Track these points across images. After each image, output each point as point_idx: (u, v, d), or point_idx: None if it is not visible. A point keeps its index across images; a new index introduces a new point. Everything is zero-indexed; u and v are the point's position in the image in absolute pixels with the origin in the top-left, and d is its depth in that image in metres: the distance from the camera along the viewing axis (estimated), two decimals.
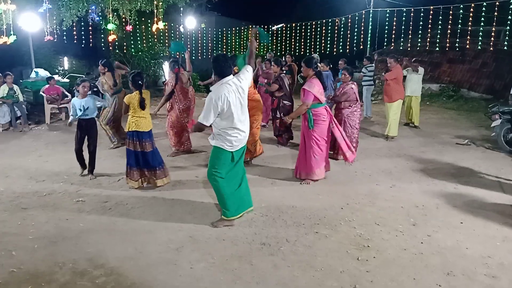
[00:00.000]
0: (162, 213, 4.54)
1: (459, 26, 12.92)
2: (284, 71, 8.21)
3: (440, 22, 13.16)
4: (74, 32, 12.25)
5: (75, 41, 12.96)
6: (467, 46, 13.50)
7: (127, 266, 3.43)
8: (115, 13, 11.64)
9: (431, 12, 13.13)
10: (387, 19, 14.34)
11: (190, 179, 5.72)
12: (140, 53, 15.56)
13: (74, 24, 11.47)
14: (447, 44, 13.55)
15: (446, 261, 3.56)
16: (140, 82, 5.10)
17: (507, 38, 11.81)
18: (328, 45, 17.21)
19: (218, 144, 4.06)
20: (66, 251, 3.68)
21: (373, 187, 5.46)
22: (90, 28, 13.00)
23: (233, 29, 20.03)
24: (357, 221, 4.37)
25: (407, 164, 6.57)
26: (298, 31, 18.61)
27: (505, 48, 12.26)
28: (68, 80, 12.53)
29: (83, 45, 13.43)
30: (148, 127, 5.21)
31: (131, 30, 12.43)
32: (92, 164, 5.77)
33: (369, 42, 15.46)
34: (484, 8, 11.74)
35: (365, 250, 3.73)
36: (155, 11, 11.45)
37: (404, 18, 13.85)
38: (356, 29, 15.66)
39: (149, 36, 15.53)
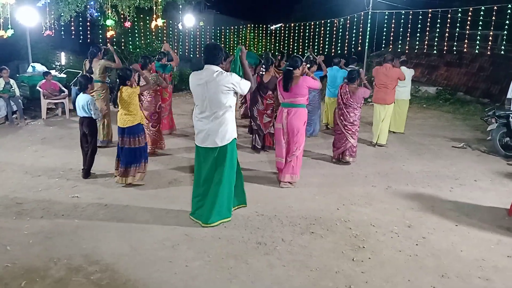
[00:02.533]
0: (158, 210, 4.54)
1: (457, 29, 12.97)
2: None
3: (438, 25, 13.20)
4: (72, 27, 12.19)
5: (72, 37, 12.89)
6: (465, 50, 13.57)
7: (122, 263, 3.43)
8: (114, 9, 11.59)
9: (430, 15, 13.17)
10: (386, 21, 14.36)
11: (186, 177, 5.72)
12: (138, 50, 15.51)
13: (72, 19, 11.40)
14: (445, 47, 13.61)
15: (441, 263, 3.58)
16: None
17: (504, 42, 11.87)
18: (326, 46, 17.22)
19: None
20: (61, 247, 3.67)
21: (369, 189, 5.48)
22: (88, 23, 12.93)
23: (232, 27, 20.01)
24: (352, 222, 4.38)
25: (403, 166, 6.60)
26: (296, 31, 18.61)
27: (502, 52, 12.30)
28: (65, 76, 12.46)
29: (80, 41, 13.36)
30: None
31: (129, 26, 12.39)
32: (89, 165, 5.62)
33: (367, 44, 15.46)
34: (482, 12, 11.78)
35: (361, 251, 3.75)
36: (154, 8, 11.41)
37: (402, 21, 13.89)
38: (354, 31, 15.68)
39: (148, 33, 15.49)
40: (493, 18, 11.53)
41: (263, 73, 6.94)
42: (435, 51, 14.08)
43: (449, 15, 12.83)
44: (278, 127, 5.49)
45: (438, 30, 13.16)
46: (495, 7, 11.45)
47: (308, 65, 8.17)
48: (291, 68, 5.32)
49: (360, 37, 15.55)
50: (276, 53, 14.67)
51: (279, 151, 5.50)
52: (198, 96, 4.00)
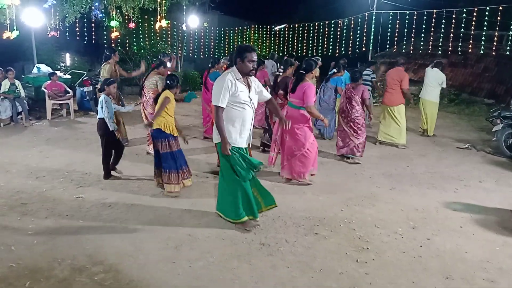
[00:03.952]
0: (161, 211, 4.54)
1: (462, 30, 12.91)
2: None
3: (443, 26, 13.15)
4: (77, 29, 12.25)
5: (77, 38, 12.96)
6: (470, 50, 13.50)
7: (125, 263, 3.43)
8: (118, 10, 11.64)
9: (434, 15, 13.13)
10: (390, 21, 14.33)
11: None
12: (142, 51, 15.53)
13: (77, 20, 11.48)
14: (450, 48, 13.55)
15: (445, 264, 3.56)
16: None
17: (509, 43, 11.80)
18: (330, 47, 17.21)
19: None
20: (65, 247, 3.68)
21: (373, 190, 5.47)
22: (93, 24, 13.01)
23: (236, 28, 20.01)
24: (356, 223, 4.37)
25: (407, 167, 6.57)
26: (300, 32, 18.61)
27: (508, 53, 12.22)
28: (70, 76, 12.50)
29: (85, 42, 13.45)
30: None
31: (134, 27, 12.43)
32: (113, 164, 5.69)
33: (371, 45, 15.43)
34: (487, 13, 11.73)
35: (364, 252, 3.73)
36: (159, 9, 11.44)
37: (407, 21, 13.85)
38: (358, 31, 15.65)
39: (152, 34, 15.52)
40: (498, 18, 11.48)
41: (281, 73, 6.83)
42: (439, 52, 14.02)
43: (454, 16, 12.79)
44: (276, 122, 5.59)
45: (442, 30, 13.12)
46: (500, 8, 11.39)
47: (335, 70, 8.11)
48: (304, 72, 5.33)
49: (364, 38, 15.52)
50: (281, 54, 14.66)
51: (272, 146, 5.74)
52: None
